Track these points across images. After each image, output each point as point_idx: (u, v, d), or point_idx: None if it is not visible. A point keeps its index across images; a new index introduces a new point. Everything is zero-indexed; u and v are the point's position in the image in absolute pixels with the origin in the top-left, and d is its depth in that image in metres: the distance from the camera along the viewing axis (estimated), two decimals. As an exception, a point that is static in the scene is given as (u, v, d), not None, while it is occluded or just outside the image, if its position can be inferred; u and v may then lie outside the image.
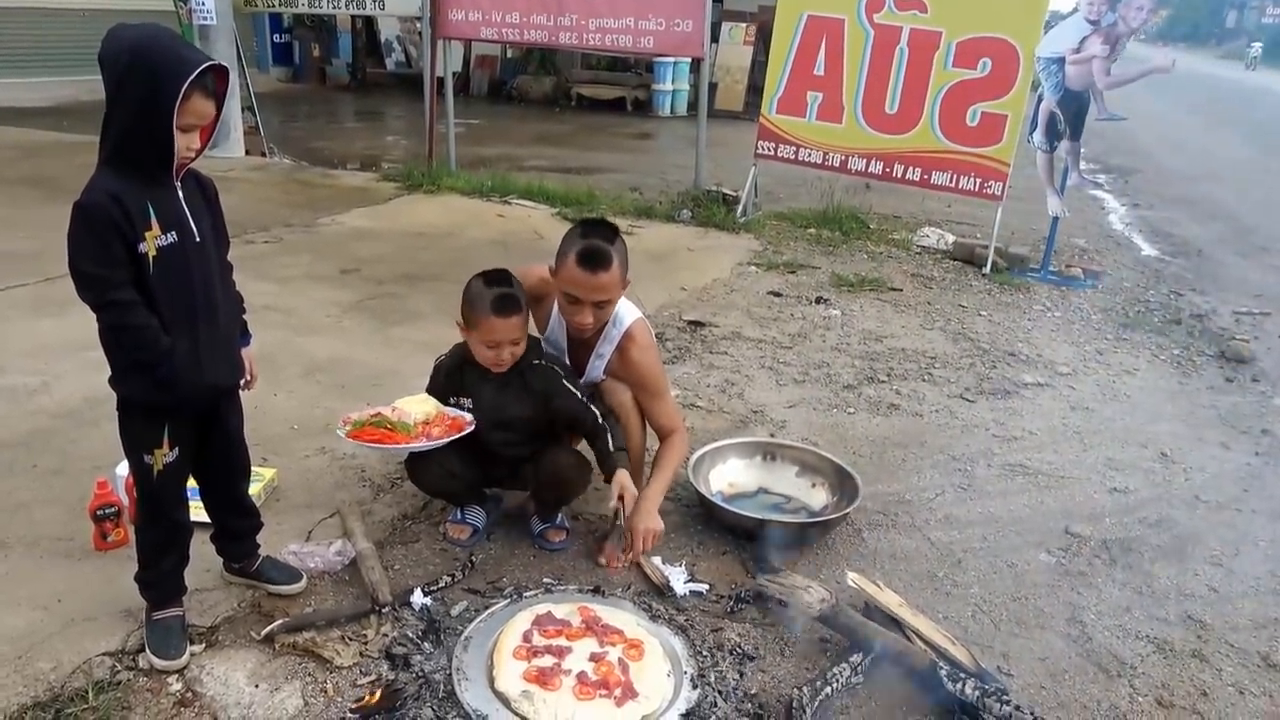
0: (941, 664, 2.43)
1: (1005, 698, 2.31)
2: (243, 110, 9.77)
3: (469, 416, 2.80)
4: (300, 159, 9.84)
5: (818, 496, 3.40)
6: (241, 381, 2.47)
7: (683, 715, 2.29)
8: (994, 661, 2.63)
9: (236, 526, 2.60)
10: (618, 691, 2.32)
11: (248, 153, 9.73)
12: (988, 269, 6.79)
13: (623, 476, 2.84)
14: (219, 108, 2.12)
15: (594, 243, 2.70)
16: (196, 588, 2.60)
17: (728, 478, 3.47)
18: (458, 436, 2.71)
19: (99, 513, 2.70)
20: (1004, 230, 6.98)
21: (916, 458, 3.87)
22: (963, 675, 2.37)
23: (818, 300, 5.86)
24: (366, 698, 2.25)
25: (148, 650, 2.35)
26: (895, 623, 2.65)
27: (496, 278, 2.76)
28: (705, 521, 3.24)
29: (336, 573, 2.77)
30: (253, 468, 3.11)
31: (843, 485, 3.34)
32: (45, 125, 10.90)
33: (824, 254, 7.09)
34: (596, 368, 2.99)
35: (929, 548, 3.20)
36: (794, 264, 6.65)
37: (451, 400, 2.89)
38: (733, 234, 7.49)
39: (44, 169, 8.28)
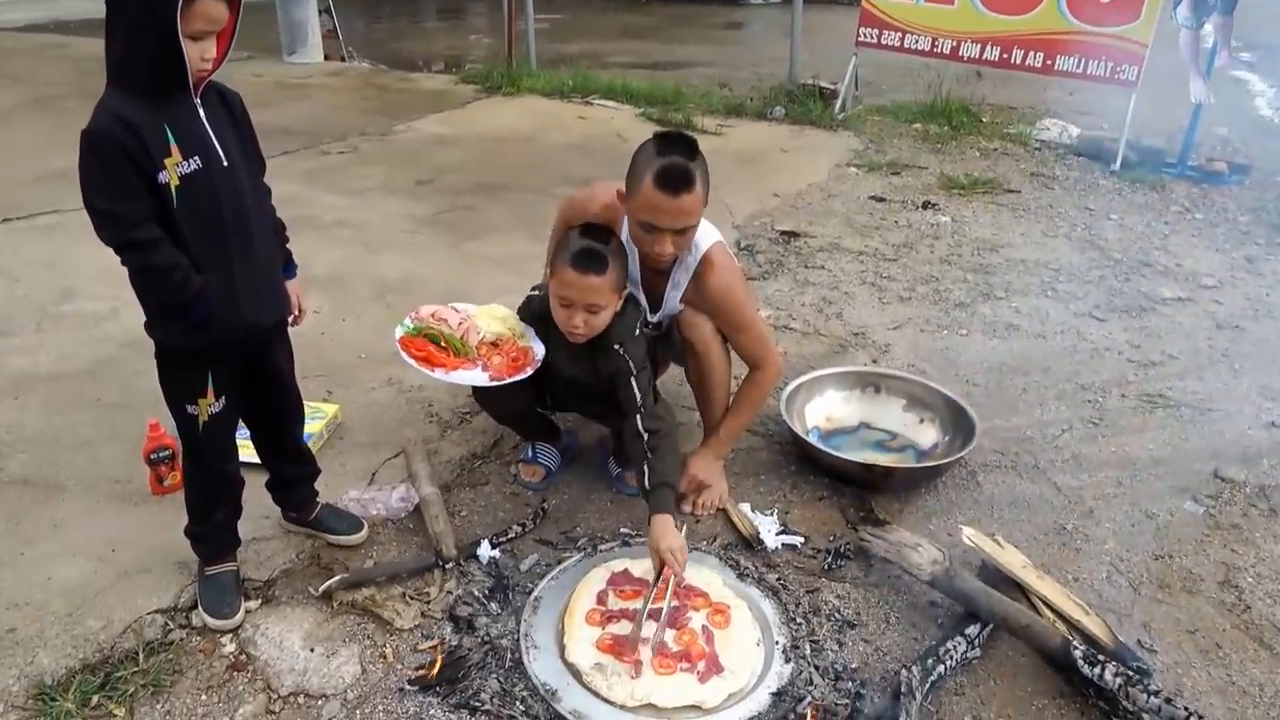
0: (1075, 641, 2.11)
1: (1151, 686, 1.98)
2: (320, 13, 9.49)
3: (540, 351, 2.51)
4: (379, 62, 9.56)
5: (927, 434, 3.05)
6: (289, 318, 2.25)
7: (773, 694, 2.05)
8: (1133, 634, 2.29)
9: (290, 474, 2.42)
10: (701, 665, 2.09)
11: (326, 58, 9.49)
12: (1118, 165, 6.10)
13: (660, 530, 2.25)
14: (235, 9, 1.83)
15: (674, 160, 2.34)
16: (254, 537, 2.46)
17: (825, 411, 3.15)
18: (514, 380, 2.42)
19: (153, 456, 2.56)
20: (1136, 121, 6.23)
21: (1039, 387, 3.46)
22: (1101, 657, 2.05)
23: (925, 205, 5.34)
24: (427, 668, 2.07)
25: (200, 608, 2.22)
26: (1018, 587, 2.34)
27: (596, 230, 2.41)
28: (800, 461, 2.93)
29: (400, 520, 2.59)
30: (315, 404, 2.98)
31: (955, 421, 2.99)
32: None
33: (931, 152, 6.49)
34: (673, 299, 2.66)
35: (1055, 494, 2.84)
36: (898, 164, 6.10)
37: None
38: (830, 132, 6.93)
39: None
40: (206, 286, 1.92)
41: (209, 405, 2.08)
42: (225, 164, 1.92)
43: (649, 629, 2.14)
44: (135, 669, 2.07)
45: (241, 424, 2.27)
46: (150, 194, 1.82)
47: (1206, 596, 2.44)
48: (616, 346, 2.45)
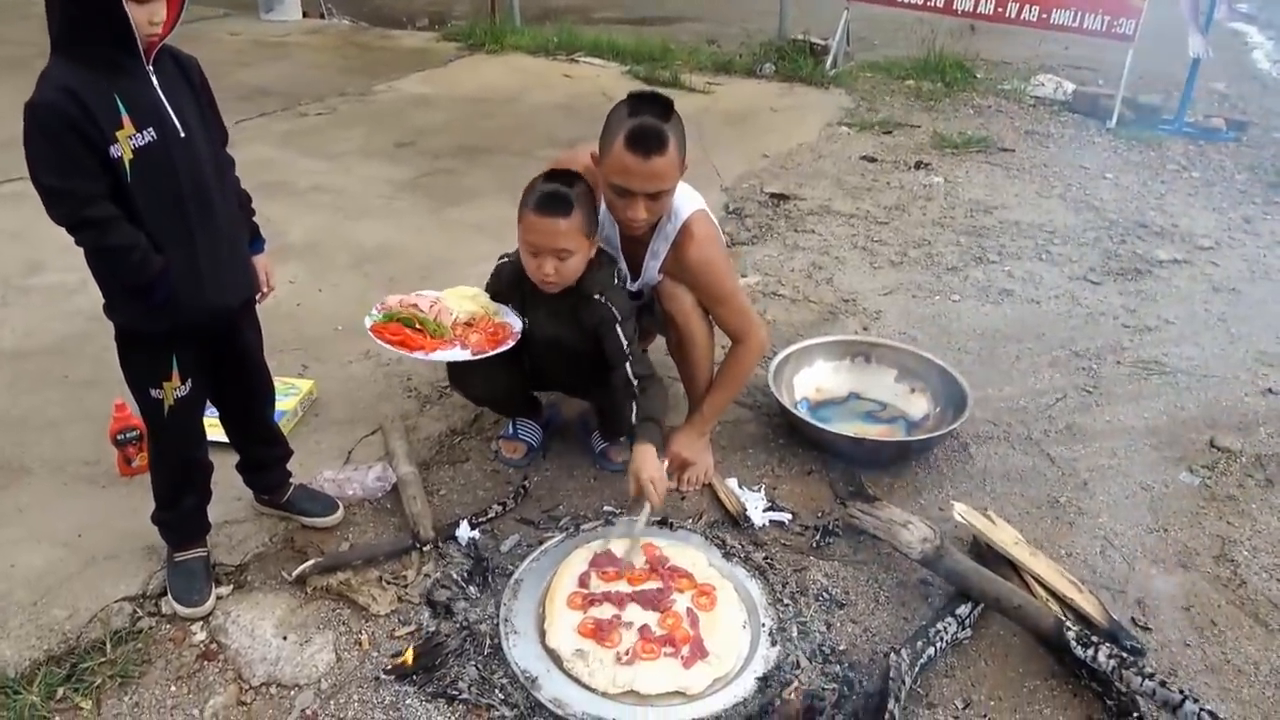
0: (1069, 622, 2.06)
1: (1145, 668, 1.93)
2: (297, -32, 9.20)
3: (516, 325, 2.43)
4: (359, 19, 9.29)
5: (918, 404, 2.98)
6: (257, 296, 2.15)
7: (759, 679, 2.00)
8: (1127, 611, 2.25)
9: (261, 456, 2.34)
10: (685, 649, 2.03)
11: (305, 15, 9.20)
12: (1113, 122, 5.99)
13: (641, 459, 2.36)
14: None
15: (646, 121, 2.23)
16: (225, 520, 2.39)
17: (815, 382, 3.07)
18: (495, 354, 2.34)
19: (119, 437, 2.48)
20: (1133, 76, 6.10)
21: (1032, 354, 3.39)
22: (1094, 639, 2.00)
23: (917, 165, 5.23)
24: (403, 656, 2.01)
25: (170, 596, 2.15)
26: (1011, 564, 2.28)
27: (560, 175, 2.32)
28: (788, 434, 2.87)
29: (377, 500, 2.51)
30: (290, 379, 2.89)
31: (947, 391, 2.91)
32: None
33: (924, 110, 6.35)
34: (652, 268, 2.56)
35: (1048, 466, 2.78)
36: (890, 123, 5.96)
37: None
38: (821, 89, 6.77)
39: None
40: (168, 266, 1.83)
41: (174, 389, 1.99)
42: (182, 135, 1.82)
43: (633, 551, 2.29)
44: (102, 659, 2.01)
45: (210, 403, 2.19)
46: (102, 169, 1.73)
47: (1202, 571, 2.39)
48: (598, 295, 2.38)
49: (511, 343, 2.38)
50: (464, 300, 2.44)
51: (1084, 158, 5.47)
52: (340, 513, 2.42)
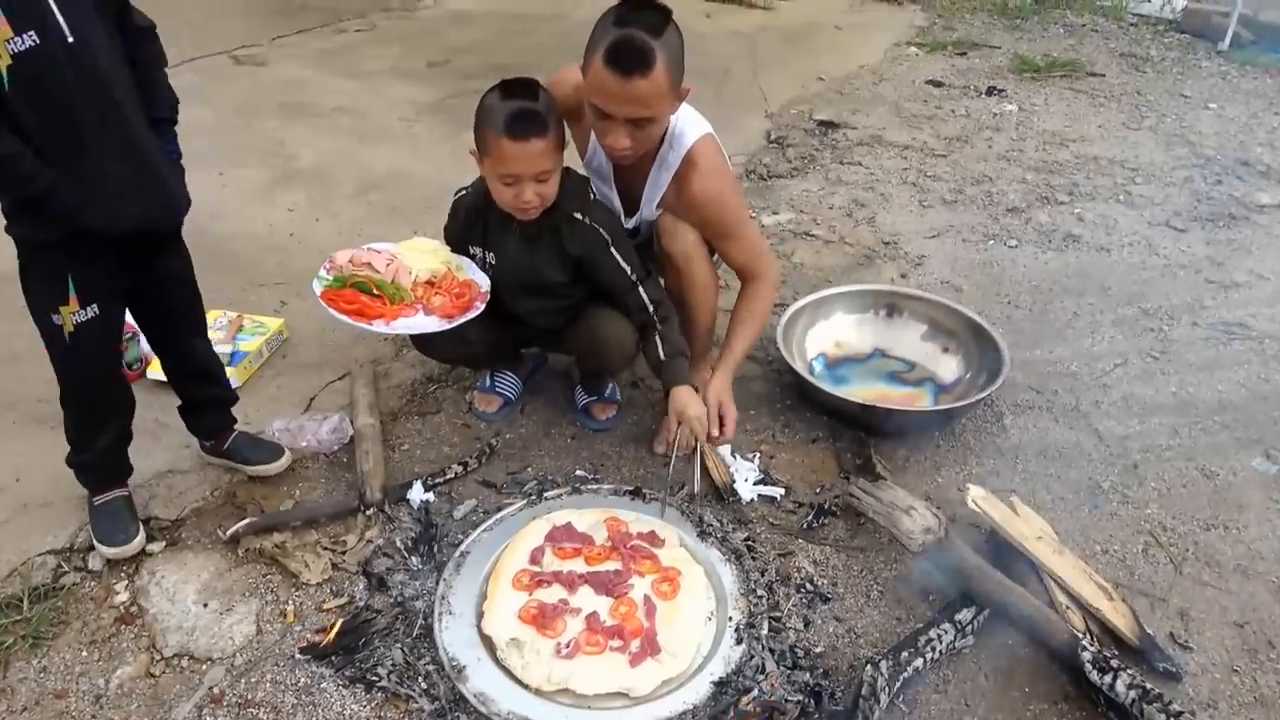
0: (1085, 640, 1.75)
1: (1173, 707, 1.61)
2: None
3: (485, 284, 2.18)
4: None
5: (948, 366, 2.63)
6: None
7: (715, 683, 1.75)
8: (1167, 623, 1.92)
9: (193, 394, 2.18)
10: (635, 644, 1.79)
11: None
12: (1226, 44, 5.31)
13: (684, 399, 2.13)
14: None
15: (630, 34, 1.91)
16: (169, 469, 2.24)
17: (834, 336, 2.74)
18: (462, 321, 2.10)
19: (65, 376, 2.32)
20: (1255, -9, 5.40)
21: (1093, 311, 2.98)
22: (1114, 663, 1.68)
23: (989, 91, 4.72)
24: (323, 634, 1.82)
25: (95, 541, 2.01)
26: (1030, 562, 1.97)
27: (519, 87, 2.03)
28: (797, 395, 2.57)
29: (333, 453, 2.32)
30: (259, 318, 2.71)
31: (982, 351, 2.56)
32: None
33: (1008, 29, 5.76)
34: (651, 201, 2.26)
35: (1094, 444, 2.42)
36: (966, 42, 5.41)
37: (472, 252, 2.26)
38: (895, 5, 6.22)
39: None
40: (55, 182, 1.65)
41: (72, 313, 1.82)
42: (70, 39, 1.61)
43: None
44: (18, 618, 1.88)
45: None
46: None
47: (1265, 580, 2.03)
48: (577, 214, 2.12)
49: (480, 305, 2.13)
50: (424, 255, 2.20)
51: (1185, 85, 4.86)
52: (285, 460, 2.24)
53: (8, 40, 1.54)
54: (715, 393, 2.21)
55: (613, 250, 2.15)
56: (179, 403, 2.21)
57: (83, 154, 1.68)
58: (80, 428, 2.00)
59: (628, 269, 2.16)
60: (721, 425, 2.19)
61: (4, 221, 1.76)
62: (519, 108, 1.97)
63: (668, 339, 2.19)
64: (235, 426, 2.24)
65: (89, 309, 1.83)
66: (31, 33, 1.56)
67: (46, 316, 1.83)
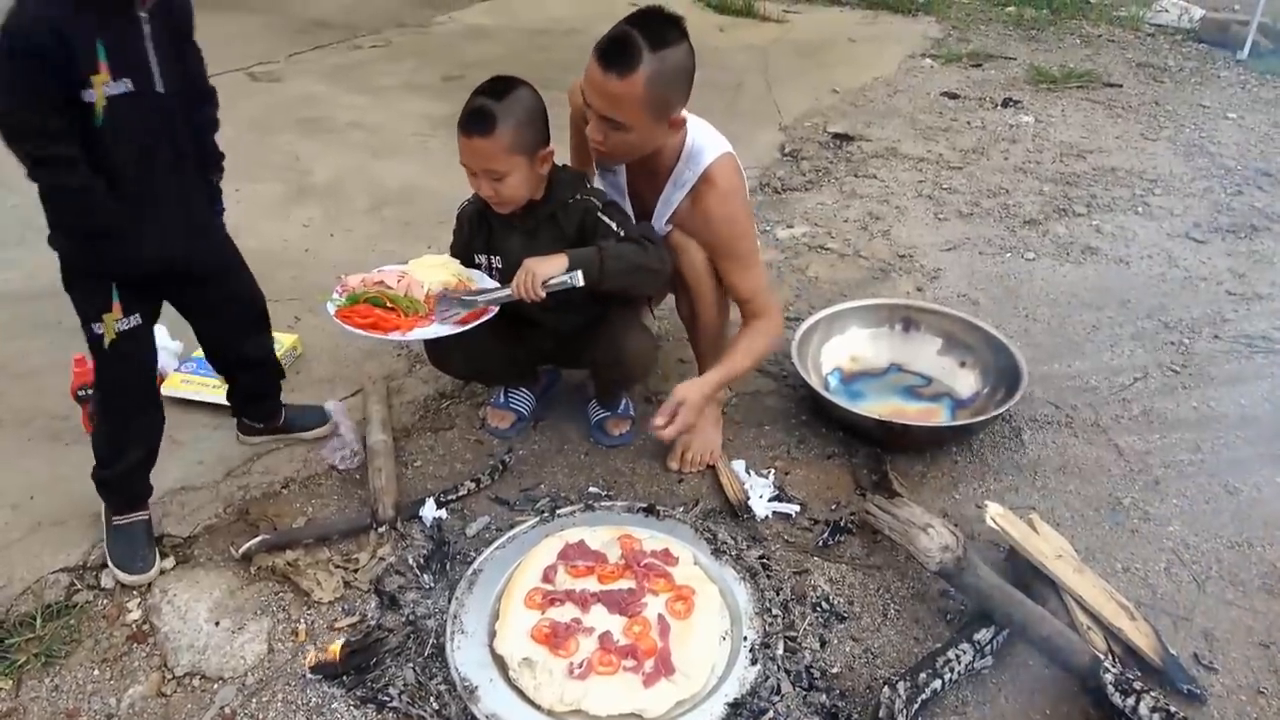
0: (1108, 660, 1.72)
1: (1201, 729, 1.58)
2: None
3: (499, 291, 2.18)
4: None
5: (966, 381, 2.60)
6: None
7: (729, 704, 1.72)
8: (1190, 644, 1.88)
9: (258, 385, 2.31)
10: (649, 664, 1.77)
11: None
12: (1245, 53, 5.26)
13: (538, 258, 2.05)
14: None
15: (623, 33, 1.98)
16: (181, 486, 2.24)
17: (850, 350, 2.72)
18: (472, 327, 2.09)
19: (80, 393, 2.34)
20: (1273, 1, 5.34)
21: (1113, 324, 2.94)
22: (1137, 685, 1.65)
23: (1005, 103, 4.69)
24: (333, 653, 1.81)
25: (110, 563, 2.01)
26: (1050, 581, 1.94)
27: (493, 85, 2.06)
28: (813, 410, 2.54)
29: (346, 470, 2.32)
30: (274, 334, 2.71)
31: (1000, 366, 2.53)
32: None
33: (1023, 40, 5.73)
34: (662, 216, 2.26)
35: (1114, 459, 2.38)
36: (981, 54, 5.39)
37: (478, 261, 2.27)
38: (909, 17, 6.20)
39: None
40: (120, 219, 1.77)
41: (115, 320, 1.88)
42: (160, 90, 1.74)
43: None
44: (30, 636, 1.88)
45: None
46: (71, 108, 1.65)
47: (1292, 600, 1.99)
48: (570, 199, 2.16)
49: (494, 310, 2.13)
50: (434, 270, 2.20)
51: (1205, 94, 4.82)
52: (332, 419, 2.39)
53: (105, 84, 1.65)
54: (683, 391, 2.18)
55: (600, 215, 2.14)
56: (230, 395, 2.32)
57: (149, 196, 1.79)
58: (111, 441, 2.02)
59: (614, 224, 2.13)
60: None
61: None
62: (476, 105, 2.04)
63: (606, 246, 2.07)
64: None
65: (131, 318, 1.89)
66: (127, 80, 1.67)
67: (90, 326, 1.89)
